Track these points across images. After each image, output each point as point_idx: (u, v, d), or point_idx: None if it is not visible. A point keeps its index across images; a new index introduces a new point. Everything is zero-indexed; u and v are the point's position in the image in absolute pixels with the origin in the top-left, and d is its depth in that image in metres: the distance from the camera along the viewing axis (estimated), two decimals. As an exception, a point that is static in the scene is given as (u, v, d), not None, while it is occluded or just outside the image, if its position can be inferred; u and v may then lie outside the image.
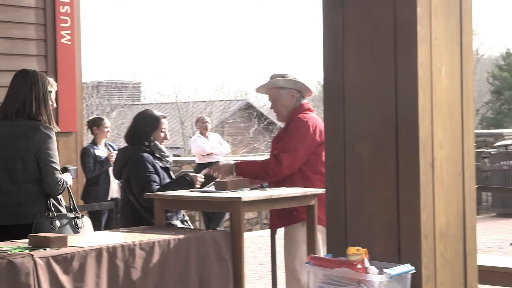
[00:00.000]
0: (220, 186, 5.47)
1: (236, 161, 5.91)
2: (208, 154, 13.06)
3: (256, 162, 5.93)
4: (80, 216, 5.18)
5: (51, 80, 5.40)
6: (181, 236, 4.85)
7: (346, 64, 3.95)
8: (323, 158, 5.50)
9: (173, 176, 6.03)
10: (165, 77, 61.37)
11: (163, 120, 6.01)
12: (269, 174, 5.70)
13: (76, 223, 5.08)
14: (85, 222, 5.18)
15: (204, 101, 32.89)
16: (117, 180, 9.96)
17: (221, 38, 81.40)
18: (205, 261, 4.91)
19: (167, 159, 5.98)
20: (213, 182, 5.58)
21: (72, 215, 5.12)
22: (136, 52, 75.91)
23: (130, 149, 5.96)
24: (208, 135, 13.24)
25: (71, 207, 5.20)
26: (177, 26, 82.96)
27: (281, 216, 5.82)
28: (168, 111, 32.53)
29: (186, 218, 5.95)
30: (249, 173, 5.74)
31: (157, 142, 5.92)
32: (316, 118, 5.82)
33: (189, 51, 72.99)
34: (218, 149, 13.21)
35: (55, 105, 5.42)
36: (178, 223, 5.75)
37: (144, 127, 5.95)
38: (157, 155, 5.87)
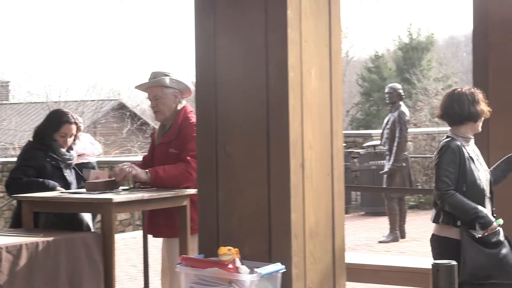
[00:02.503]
0: (91, 187, 5.38)
1: (150, 171, 5.46)
2: (79, 155, 12.81)
3: (170, 167, 5.48)
4: None
5: None
6: (50, 239, 4.75)
7: (218, 64, 3.96)
8: None
9: (67, 177, 5.83)
10: (35, 75, 59.90)
11: (66, 125, 5.82)
12: (192, 175, 5.33)
13: None
14: None
15: (76, 101, 32.24)
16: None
17: (94, 37, 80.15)
18: (75, 264, 4.82)
19: (66, 161, 5.81)
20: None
21: None
22: (4, 49, 73.75)
23: (27, 144, 5.94)
24: (79, 135, 13.01)
25: None
26: (47, 23, 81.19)
27: (173, 226, 5.58)
28: (38, 111, 31.76)
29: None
30: (168, 180, 5.43)
31: (55, 143, 5.77)
32: None
33: (61, 49, 71.52)
34: (90, 149, 12.97)
35: None
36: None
37: (46, 126, 5.85)
38: (50, 154, 5.71)
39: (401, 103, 11.19)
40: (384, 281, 6.25)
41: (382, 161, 13.06)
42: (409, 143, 15.24)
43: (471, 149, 4.86)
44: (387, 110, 12.05)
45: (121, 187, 5.45)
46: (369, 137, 16.13)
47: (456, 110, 4.79)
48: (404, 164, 11.08)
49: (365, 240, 11.28)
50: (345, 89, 41.34)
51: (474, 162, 4.78)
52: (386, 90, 11.40)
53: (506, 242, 4.72)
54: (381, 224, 12.43)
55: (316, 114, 3.92)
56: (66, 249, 4.80)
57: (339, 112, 4.10)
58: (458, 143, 4.76)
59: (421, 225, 12.64)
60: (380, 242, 11.03)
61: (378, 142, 13.62)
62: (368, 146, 14.81)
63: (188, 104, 5.79)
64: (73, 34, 78.52)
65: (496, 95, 5.33)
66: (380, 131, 11.96)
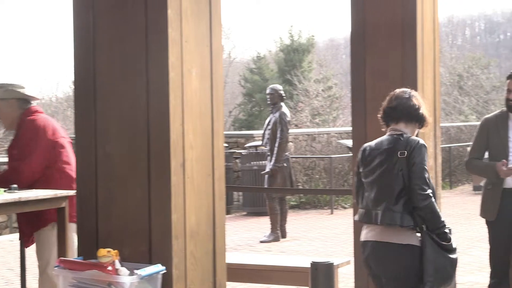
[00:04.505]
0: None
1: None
2: None
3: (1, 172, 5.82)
4: None
5: None
6: None
7: (97, 64, 3.90)
8: (65, 158, 5.52)
9: None
10: None
11: None
12: (13, 182, 5.51)
13: None
14: None
15: None
16: None
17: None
18: None
19: None
20: None
21: None
22: None
23: None
24: None
25: None
26: None
27: (29, 221, 5.67)
28: None
29: None
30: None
31: None
32: (45, 117, 5.81)
33: None
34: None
35: None
36: None
37: None
38: None
39: (282, 104, 11.33)
40: (264, 280, 6.31)
41: (263, 162, 13.19)
42: (290, 143, 15.45)
43: None
44: (269, 111, 12.15)
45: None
46: (251, 137, 16.25)
47: (413, 108, 4.54)
48: (285, 165, 11.22)
49: (246, 240, 11.35)
50: (227, 89, 41.53)
51: None
52: (268, 91, 11.51)
53: None
54: (263, 224, 12.56)
55: (197, 114, 3.93)
56: None
57: (220, 112, 4.11)
58: None
59: (302, 225, 12.84)
60: (261, 242, 11.13)
61: (259, 142, 13.74)
62: (250, 147, 14.91)
63: (34, 105, 5.90)
64: None
65: (372, 97, 5.47)
66: (262, 131, 12.06)
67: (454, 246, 4.46)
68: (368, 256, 4.55)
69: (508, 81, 5.84)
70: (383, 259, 4.47)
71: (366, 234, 4.56)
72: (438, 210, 4.41)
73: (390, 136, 4.54)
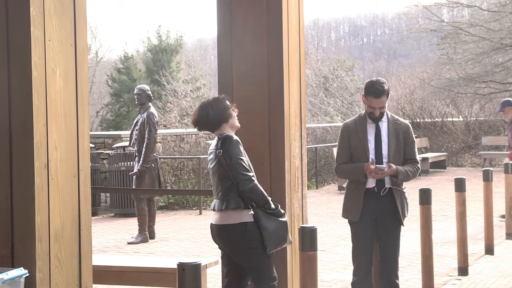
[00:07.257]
0: None
1: None
2: None
3: None
4: None
5: None
6: None
7: (-44, 62, 3.78)
8: None
9: None
10: None
11: None
12: None
13: None
14: None
15: None
16: None
17: None
18: None
19: None
20: None
21: None
22: None
23: None
24: None
25: None
26: None
27: None
28: None
29: None
30: None
31: None
32: None
33: None
34: None
35: None
36: None
37: None
38: None
39: (150, 104, 11.27)
40: (132, 282, 6.26)
41: (131, 162, 13.07)
42: (158, 144, 15.38)
43: None
44: (136, 111, 12.05)
45: None
46: (118, 138, 16.07)
47: (211, 117, 5.23)
48: (153, 165, 11.17)
49: (114, 241, 11.23)
50: (94, 89, 40.91)
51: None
52: (135, 91, 11.43)
53: None
54: (131, 225, 12.45)
55: (62, 115, 3.86)
56: None
57: (86, 112, 4.06)
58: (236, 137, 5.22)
59: (170, 226, 12.81)
60: (129, 243, 11.03)
61: (127, 143, 13.60)
62: (118, 147, 14.75)
63: None
64: None
65: (239, 97, 5.53)
66: (129, 132, 11.96)
67: (282, 211, 5.25)
68: (214, 237, 5.32)
69: (370, 97, 5.91)
70: (226, 239, 5.21)
71: (212, 218, 5.29)
72: (262, 189, 5.15)
73: (216, 138, 5.30)
